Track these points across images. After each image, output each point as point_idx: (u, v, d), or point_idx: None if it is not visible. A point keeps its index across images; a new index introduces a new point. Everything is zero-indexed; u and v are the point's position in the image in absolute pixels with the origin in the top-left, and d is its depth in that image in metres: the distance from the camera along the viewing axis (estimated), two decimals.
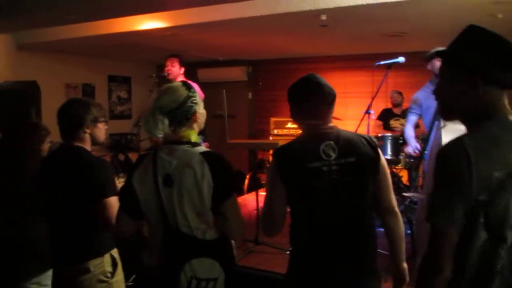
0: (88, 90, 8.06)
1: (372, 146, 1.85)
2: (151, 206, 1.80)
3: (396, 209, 1.90)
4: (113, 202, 2.08)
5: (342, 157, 1.78)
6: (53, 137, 2.65)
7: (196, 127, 1.90)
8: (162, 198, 1.76)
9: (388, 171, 1.91)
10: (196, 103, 1.86)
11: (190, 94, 1.84)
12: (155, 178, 1.77)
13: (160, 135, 1.82)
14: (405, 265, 1.91)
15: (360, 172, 1.80)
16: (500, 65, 1.29)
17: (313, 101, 1.85)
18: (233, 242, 1.97)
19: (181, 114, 1.81)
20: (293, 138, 1.98)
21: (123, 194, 1.91)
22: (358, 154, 1.80)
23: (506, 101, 1.34)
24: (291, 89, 1.91)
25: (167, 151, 1.80)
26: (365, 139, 1.86)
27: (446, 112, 1.45)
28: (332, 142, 1.80)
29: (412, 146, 4.13)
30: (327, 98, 1.85)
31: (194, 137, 1.86)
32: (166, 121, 1.79)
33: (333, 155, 1.78)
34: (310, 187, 1.79)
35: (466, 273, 1.28)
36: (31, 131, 2.65)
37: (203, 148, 1.84)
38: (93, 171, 2.15)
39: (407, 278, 1.91)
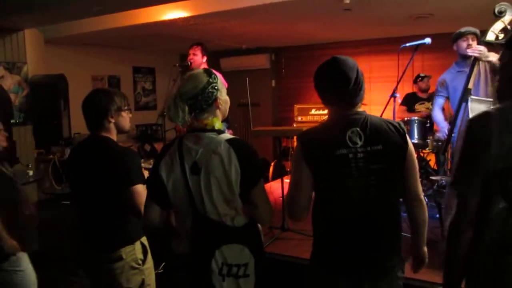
0: (114, 81, 8.20)
1: (401, 133, 1.81)
2: (179, 195, 1.81)
3: (422, 196, 1.90)
4: (141, 189, 2.12)
5: (369, 145, 1.76)
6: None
7: (220, 114, 1.90)
8: (189, 186, 1.78)
9: (415, 158, 1.87)
10: (217, 89, 1.85)
11: (211, 80, 1.84)
12: (182, 166, 1.79)
13: (182, 122, 1.82)
14: (425, 248, 1.96)
15: (387, 160, 1.77)
16: None
17: (334, 86, 1.81)
18: (260, 227, 1.97)
19: (202, 100, 1.82)
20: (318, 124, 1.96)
21: (150, 184, 1.93)
22: (385, 142, 1.77)
23: None
24: (314, 76, 1.88)
25: (193, 139, 1.82)
26: (394, 126, 1.82)
27: (499, 92, 1.52)
28: (358, 129, 1.77)
29: (443, 130, 4.02)
30: (347, 82, 1.77)
31: (218, 124, 1.86)
32: (187, 108, 1.81)
33: (359, 142, 1.76)
34: (336, 174, 1.77)
35: (486, 240, 1.40)
36: None
37: (228, 135, 1.85)
38: (119, 160, 2.18)
39: (426, 260, 1.97)
